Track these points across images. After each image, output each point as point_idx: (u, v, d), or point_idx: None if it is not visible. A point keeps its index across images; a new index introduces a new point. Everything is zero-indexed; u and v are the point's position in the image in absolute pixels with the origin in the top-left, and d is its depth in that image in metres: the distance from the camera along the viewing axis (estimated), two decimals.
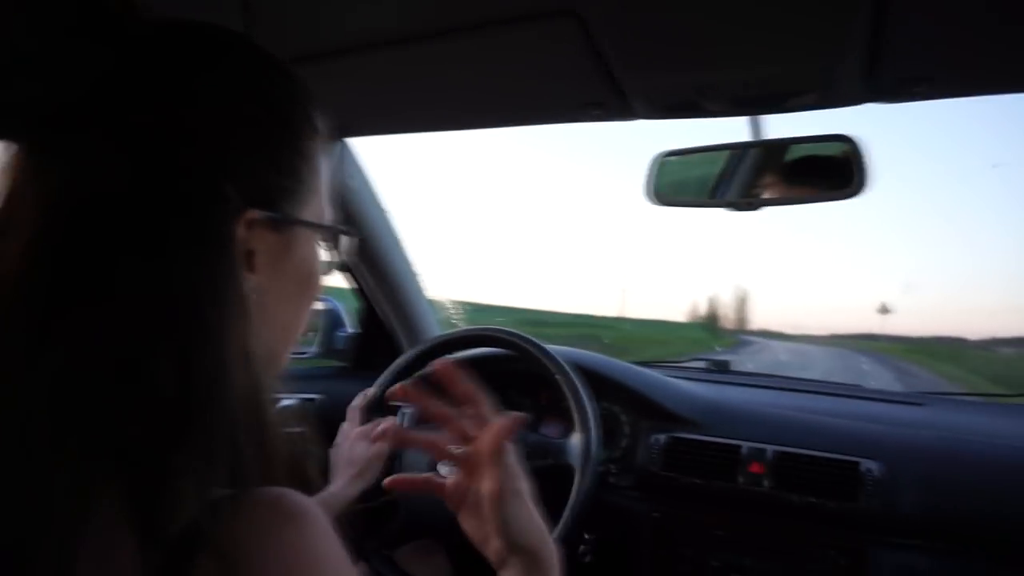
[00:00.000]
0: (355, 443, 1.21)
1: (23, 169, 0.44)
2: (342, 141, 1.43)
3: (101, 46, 0.43)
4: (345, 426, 1.26)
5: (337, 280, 1.70)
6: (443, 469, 1.25)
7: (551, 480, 1.24)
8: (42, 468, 0.38)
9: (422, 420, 1.48)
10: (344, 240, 0.58)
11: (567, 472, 1.20)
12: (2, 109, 0.42)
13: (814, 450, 1.26)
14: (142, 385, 0.40)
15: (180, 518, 0.38)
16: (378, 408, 1.35)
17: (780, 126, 1.01)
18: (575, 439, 1.22)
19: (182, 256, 0.43)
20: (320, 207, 0.55)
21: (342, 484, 1.14)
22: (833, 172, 0.96)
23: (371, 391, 1.33)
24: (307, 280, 0.55)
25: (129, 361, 0.40)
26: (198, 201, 0.44)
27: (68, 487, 0.38)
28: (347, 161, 1.48)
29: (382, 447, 1.21)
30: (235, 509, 0.40)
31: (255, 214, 0.47)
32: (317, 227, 0.54)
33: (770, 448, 1.27)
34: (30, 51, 0.42)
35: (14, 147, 0.44)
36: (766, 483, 1.25)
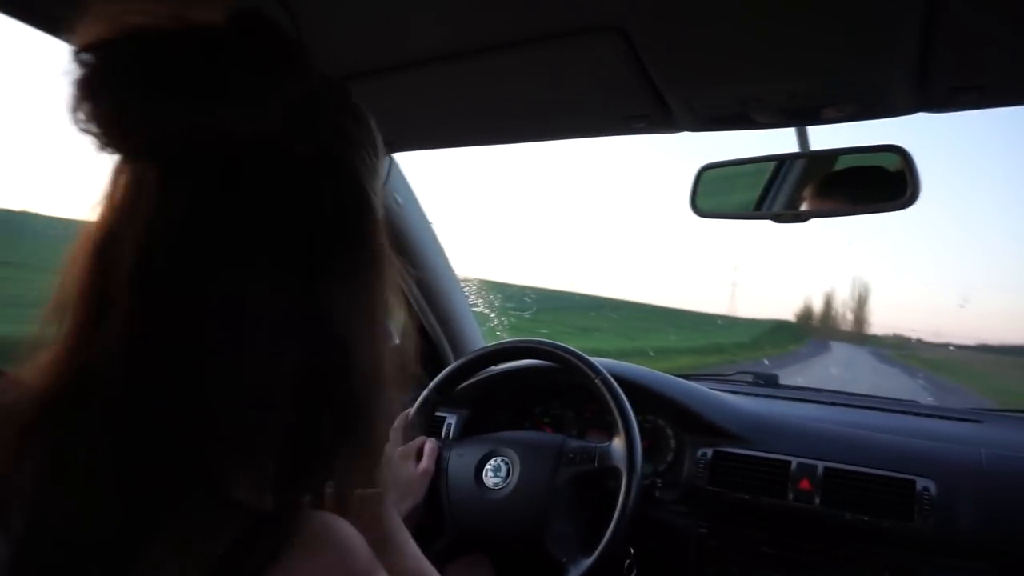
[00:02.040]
0: (399, 463, 1.23)
1: (148, 186, 0.44)
2: (389, 157, 1.46)
3: (274, 81, 0.45)
4: (387, 447, 1.28)
5: None
6: (491, 480, 1.26)
7: (596, 486, 1.24)
8: (171, 455, 0.42)
9: (467, 429, 1.50)
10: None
11: (613, 475, 1.20)
12: (153, 130, 0.42)
13: (867, 467, 1.22)
14: (314, 385, 0.46)
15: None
16: (421, 423, 1.36)
17: (826, 136, 0.99)
18: (617, 442, 1.22)
19: (362, 269, 0.50)
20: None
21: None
22: (882, 183, 0.94)
23: (411, 411, 1.35)
24: (393, 294, 0.60)
25: (335, 365, 0.47)
26: (363, 220, 0.51)
27: (199, 472, 0.42)
28: (393, 176, 1.51)
29: (428, 466, 1.23)
30: (283, 532, 0.41)
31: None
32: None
33: (821, 464, 1.25)
34: (201, 80, 0.42)
35: (131, 164, 0.45)
36: (816, 500, 1.22)
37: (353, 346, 0.47)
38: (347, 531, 0.43)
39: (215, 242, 0.43)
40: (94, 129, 0.41)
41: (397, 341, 1.72)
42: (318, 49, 0.94)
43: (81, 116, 0.41)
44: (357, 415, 0.48)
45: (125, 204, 0.44)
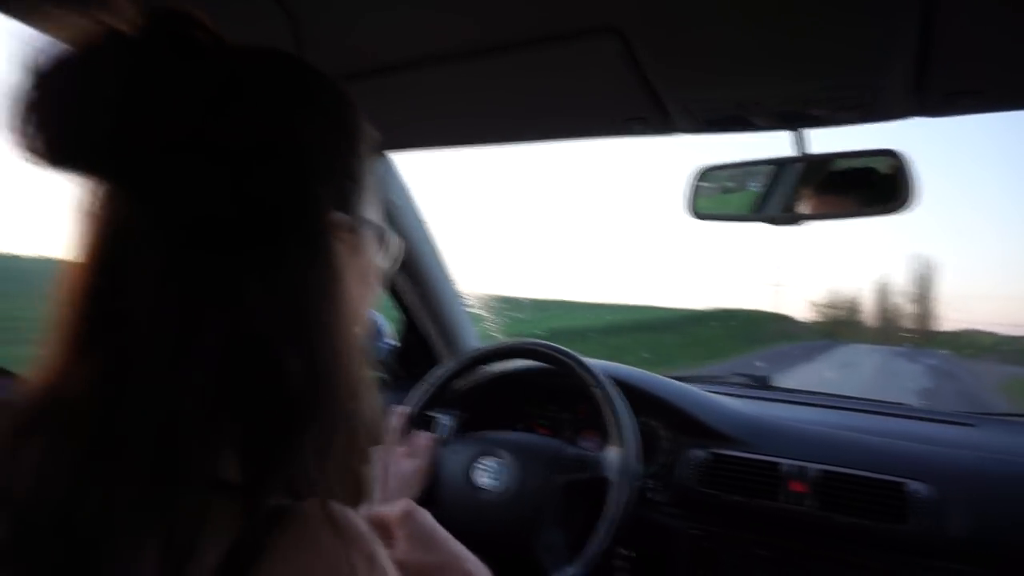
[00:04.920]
0: (395, 459, 1.23)
1: (120, 205, 0.45)
2: (386, 156, 1.46)
3: (194, 78, 0.46)
4: (384, 444, 1.28)
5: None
6: (484, 481, 1.26)
7: (588, 493, 1.24)
8: (177, 462, 0.41)
9: (459, 430, 1.50)
10: (394, 243, 0.62)
11: (604, 485, 1.20)
12: (97, 146, 0.44)
13: (859, 469, 1.23)
14: (273, 384, 0.44)
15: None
16: (415, 421, 1.36)
17: (823, 140, 0.99)
18: (612, 452, 1.22)
19: (291, 260, 0.47)
20: (376, 209, 0.59)
21: (385, 501, 1.16)
22: (878, 186, 0.94)
23: (406, 408, 1.35)
24: (370, 280, 0.58)
25: (261, 364, 0.44)
26: (297, 208, 0.48)
27: (197, 480, 0.42)
28: (390, 176, 1.50)
29: (421, 463, 1.23)
30: (291, 520, 0.41)
31: (338, 216, 0.51)
32: (377, 228, 0.58)
33: (813, 467, 1.25)
34: (125, 88, 0.43)
35: (100, 187, 0.46)
36: (809, 502, 1.23)
37: (281, 345, 0.45)
38: (350, 517, 0.43)
39: (151, 246, 0.44)
40: (40, 150, 0.43)
41: (389, 342, 1.71)
42: (316, 50, 0.94)
43: (24, 139, 0.43)
44: (303, 417, 0.45)
45: (85, 222, 0.46)
